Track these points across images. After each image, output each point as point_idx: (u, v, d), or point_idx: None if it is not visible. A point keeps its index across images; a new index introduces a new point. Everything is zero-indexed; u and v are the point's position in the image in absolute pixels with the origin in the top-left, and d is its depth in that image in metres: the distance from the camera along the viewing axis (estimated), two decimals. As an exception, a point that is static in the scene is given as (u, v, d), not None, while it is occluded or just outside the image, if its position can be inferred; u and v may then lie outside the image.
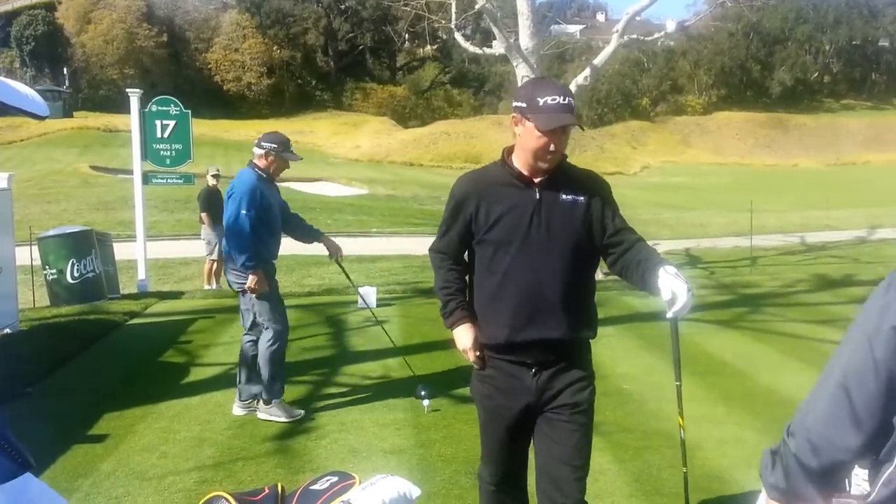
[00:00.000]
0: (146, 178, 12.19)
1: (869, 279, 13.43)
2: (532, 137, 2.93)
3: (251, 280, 5.83)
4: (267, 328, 6.01)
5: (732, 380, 7.08)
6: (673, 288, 2.82)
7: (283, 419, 5.91)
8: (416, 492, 1.45)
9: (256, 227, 5.79)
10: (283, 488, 1.41)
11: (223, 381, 6.88)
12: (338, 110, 71.26)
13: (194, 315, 10.00)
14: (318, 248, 19.63)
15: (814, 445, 1.65)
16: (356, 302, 10.44)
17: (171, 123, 12.01)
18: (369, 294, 10.42)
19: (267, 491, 1.39)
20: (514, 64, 12.91)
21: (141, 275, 12.01)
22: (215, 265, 12.78)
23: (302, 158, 6.59)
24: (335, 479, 1.41)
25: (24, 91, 1.87)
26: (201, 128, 38.84)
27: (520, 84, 12.78)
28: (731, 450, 5.39)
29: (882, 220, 25.10)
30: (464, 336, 3.10)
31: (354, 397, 6.49)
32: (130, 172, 12.74)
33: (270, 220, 5.95)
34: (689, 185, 48.25)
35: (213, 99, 61.31)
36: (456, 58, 68.25)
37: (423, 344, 8.15)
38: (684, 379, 7.31)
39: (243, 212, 5.72)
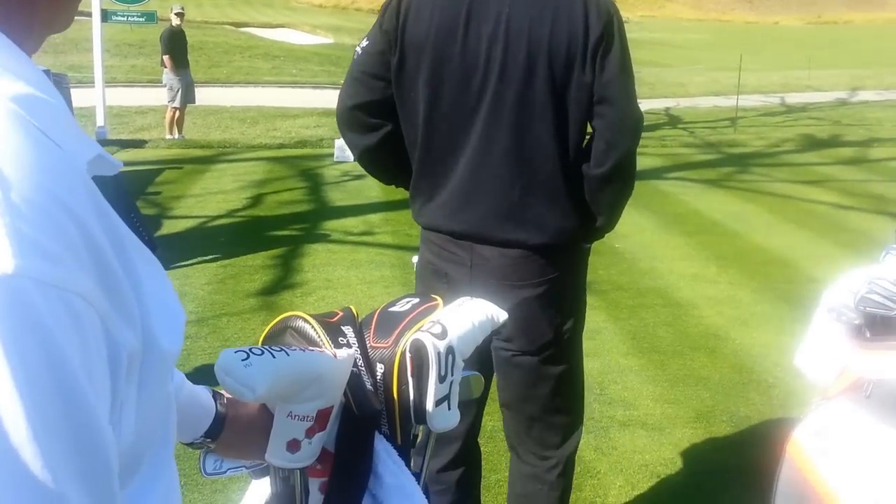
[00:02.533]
0: (105, 15, 11.51)
1: (854, 140, 13.49)
2: None
3: None
4: None
5: (724, 239, 7.11)
6: None
7: None
8: (503, 315, 1.33)
9: None
10: (356, 311, 1.29)
11: (198, 234, 6.75)
12: (299, -49, 68.14)
13: (161, 165, 9.73)
14: (285, 100, 19.04)
15: None
16: (332, 155, 10.24)
17: (131, -47, 11.31)
18: (346, 147, 10.21)
19: (341, 314, 1.26)
20: None
21: (100, 122, 11.57)
22: (178, 113, 12.32)
23: None
24: (416, 300, 1.29)
25: None
26: (152, -34, 37.02)
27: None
28: (726, 309, 5.44)
29: (864, 81, 25.04)
30: None
31: (338, 254, 6.38)
32: (83, 11, 12.07)
33: None
34: (669, 42, 47.57)
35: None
36: None
37: (406, 200, 8.00)
38: (675, 237, 7.40)
39: None
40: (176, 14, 12.02)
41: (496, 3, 2.07)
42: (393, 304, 1.30)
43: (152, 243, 0.65)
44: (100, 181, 0.59)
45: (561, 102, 2.09)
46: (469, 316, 1.26)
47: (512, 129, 2.10)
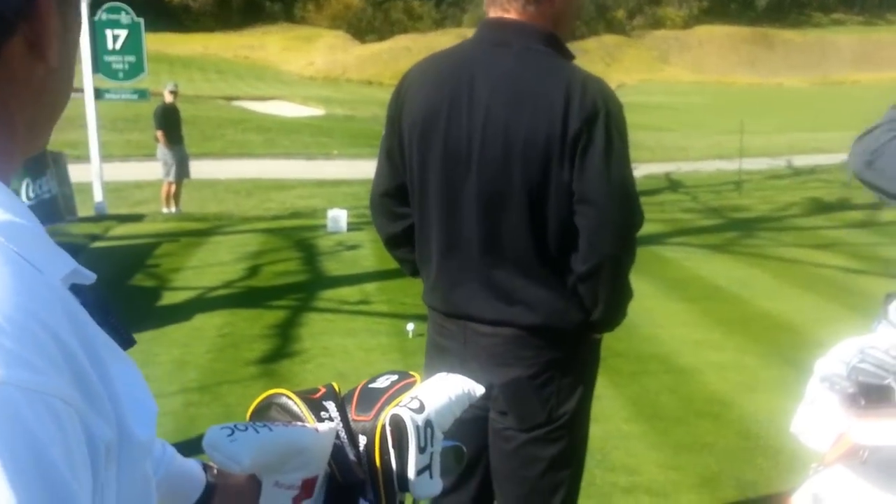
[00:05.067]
0: (98, 94, 11.97)
1: (863, 203, 13.72)
2: None
3: None
4: None
5: (728, 305, 7.28)
6: None
7: None
8: (479, 390, 1.51)
9: None
10: (338, 387, 1.48)
11: (198, 305, 6.96)
12: (289, 23, 69.91)
13: (158, 238, 10.04)
14: (278, 172, 19.38)
15: None
16: (325, 226, 10.49)
17: (123, 34, 11.75)
18: (340, 217, 10.47)
19: (323, 390, 1.44)
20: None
21: (98, 197, 11.94)
22: (173, 187, 12.73)
23: None
24: (395, 377, 1.46)
25: None
26: (142, 39, 37.85)
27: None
28: (731, 374, 5.59)
29: (872, 142, 25.35)
30: None
31: (334, 323, 6.59)
32: (77, 89, 12.51)
33: None
34: (668, 105, 48.31)
35: (154, 10, 59.48)
36: (419, -36, 66.92)
37: (400, 269, 8.21)
38: (676, 303, 7.55)
39: None
40: (170, 91, 12.54)
41: (479, 95, 2.12)
42: (373, 380, 1.49)
43: (130, 340, 0.82)
44: (80, 287, 0.72)
45: (540, 199, 2.10)
46: (446, 391, 1.44)
47: (486, 219, 2.17)
